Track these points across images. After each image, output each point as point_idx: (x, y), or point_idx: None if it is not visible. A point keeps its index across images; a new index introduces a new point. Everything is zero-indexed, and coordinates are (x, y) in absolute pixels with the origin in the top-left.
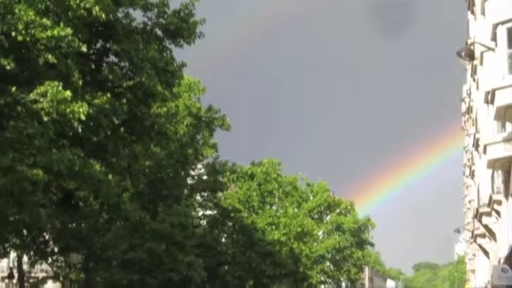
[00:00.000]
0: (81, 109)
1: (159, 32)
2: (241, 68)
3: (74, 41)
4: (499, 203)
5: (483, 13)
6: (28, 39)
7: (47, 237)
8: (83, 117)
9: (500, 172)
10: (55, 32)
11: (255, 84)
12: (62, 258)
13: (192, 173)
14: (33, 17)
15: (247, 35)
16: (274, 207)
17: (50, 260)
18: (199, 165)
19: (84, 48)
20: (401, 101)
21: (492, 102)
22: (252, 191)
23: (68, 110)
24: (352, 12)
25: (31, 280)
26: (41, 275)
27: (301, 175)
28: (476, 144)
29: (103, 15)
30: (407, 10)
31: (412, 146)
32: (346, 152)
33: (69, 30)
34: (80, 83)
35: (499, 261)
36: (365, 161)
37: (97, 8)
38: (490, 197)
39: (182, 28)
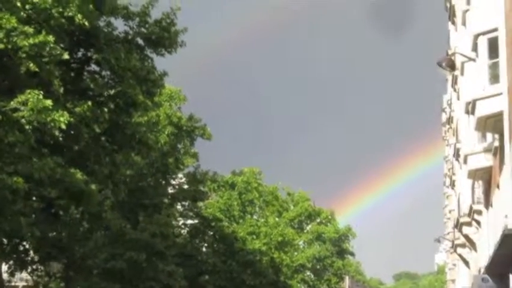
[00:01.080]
0: (62, 118)
1: (140, 41)
2: (223, 77)
3: (56, 49)
4: (479, 213)
5: (464, 23)
6: (10, 47)
7: (27, 246)
8: (63, 126)
9: (480, 182)
10: (37, 40)
11: (236, 94)
12: (42, 268)
13: (173, 182)
14: (15, 25)
15: (229, 45)
16: (255, 217)
17: (30, 269)
18: (180, 175)
19: (66, 56)
20: (382, 111)
21: (473, 112)
22: (232, 200)
23: (48, 119)
24: (335, 21)
25: None
26: (20, 284)
27: (281, 184)
28: (456, 154)
29: (86, 23)
30: (390, 19)
31: (392, 155)
32: (326, 162)
33: (51, 38)
34: (62, 91)
35: (479, 271)
36: (345, 170)
37: (79, 16)
38: (471, 207)
39: (163, 37)
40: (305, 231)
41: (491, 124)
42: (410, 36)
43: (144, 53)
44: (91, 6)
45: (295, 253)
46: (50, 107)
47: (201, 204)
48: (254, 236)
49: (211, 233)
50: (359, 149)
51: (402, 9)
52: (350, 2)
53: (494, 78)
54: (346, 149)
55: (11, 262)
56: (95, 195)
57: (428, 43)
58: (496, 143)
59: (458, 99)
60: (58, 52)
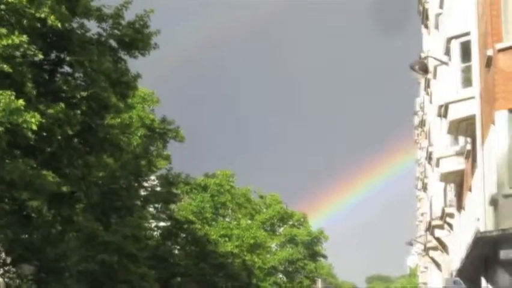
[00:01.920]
0: (33, 119)
1: (114, 43)
2: (197, 79)
3: (30, 50)
4: (451, 216)
5: (437, 27)
6: None
7: None
8: (34, 127)
9: (452, 185)
10: (10, 41)
11: (210, 96)
12: (14, 270)
13: (145, 184)
14: None
15: (204, 46)
16: (227, 219)
17: (1, 271)
18: (153, 177)
19: (40, 56)
20: (353, 114)
21: (445, 115)
22: (205, 203)
23: (20, 120)
24: (312, 22)
25: None
26: None
27: (254, 187)
28: (429, 158)
29: (59, 25)
30: (369, 23)
31: (365, 158)
32: (299, 165)
33: (25, 38)
34: (34, 93)
35: (451, 274)
36: (318, 173)
37: (52, 17)
38: (443, 210)
39: (137, 39)
40: (277, 233)
41: (464, 127)
42: (383, 37)
43: (117, 55)
44: (63, 7)
45: (268, 255)
46: (22, 108)
47: (173, 206)
48: (226, 239)
49: (184, 235)
50: (331, 152)
51: (381, 14)
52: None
53: (467, 81)
54: (318, 152)
55: None
56: (67, 197)
57: (403, 47)
58: (468, 147)
59: (431, 102)
60: (32, 53)
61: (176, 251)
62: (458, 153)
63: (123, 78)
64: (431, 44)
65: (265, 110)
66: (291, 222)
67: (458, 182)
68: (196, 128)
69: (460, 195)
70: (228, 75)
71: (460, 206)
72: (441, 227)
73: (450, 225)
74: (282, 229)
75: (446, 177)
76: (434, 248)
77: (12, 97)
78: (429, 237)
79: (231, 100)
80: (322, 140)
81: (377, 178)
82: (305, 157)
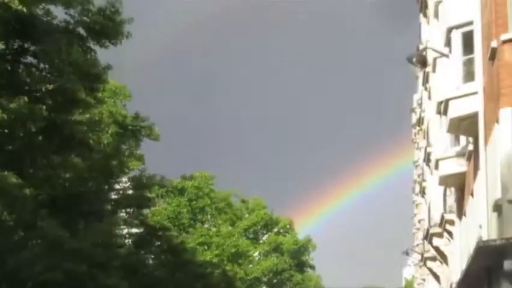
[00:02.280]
0: None
1: (82, 32)
2: (174, 73)
3: None
4: (452, 223)
5: (436, 16)
6: None
7: None
8: None
9: (453, 189)
10: None
11: (188, 91)
12: None
13: (116, 187)
14: None
15: (181, 37)
16: (206, 226)
17: None
18: (124, 179)
19: (1, 45)
20: (344, 111)
21: (445, 113)
22: (182, 208)
23: None
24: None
25: None
26: None
27: (235, 190)
28: (427, 159)
29: (24, 9)
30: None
31: (357, 160)
32: (285, 167)
33: None
34: None
35: (451, 287)
36: (306, 177)
37: (16, 1)
38: (442, 217)
39: (107, 27)
40: (261, 241)
41: (465, 126)
42: (377, 28)
43: (86, 44)
44: None
45: (250, 265)
46: None
47: (147, 211)
48: (205, 247)
49: (158, 243)
50: (320, 154)
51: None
52: None
53: (469, 75)
54: (307, 154)
55: None
56: (30, 201)
57: (399, 37)
58: (470, 147)
59: (430, 98)
60: None
61: (150, 261)
62: (459, 154)
63: (92, 70)
64: (431, 35)
65: (251, 107)
66: (276, 229)
67: (459, 185)
68: (173, 125)
69: (460, 201)
70: (209, 69)
71: (460, 212)
72: (440, 235)
73: (450, 233)
74: (266, 237)
75: (445, 181)
76: (433, 258)
77: None
78: (427, 247)
79: (213, 95)
80: (310, 140)
81: (371, 181)
82: (292, 159)
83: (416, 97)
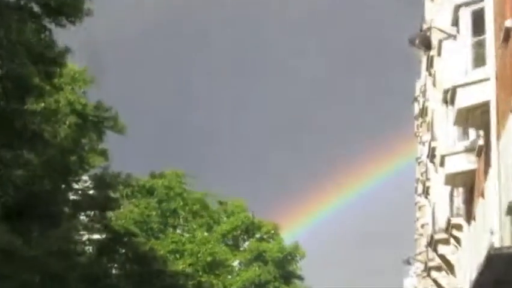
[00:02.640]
0: None
1: (37, 8)
2: (142, 56)
3: None
4: (459, 228)
5: None
6: None
7: None
8: None
9: (460, 190)
10: None
11: (158, 77)
12: None
13: (76, 186)
14: None
15: (152, 15)
16: (178, 231)
17: None
18: (85, 177)
19: None
20: (337, 101)
21: (452, 102)
22: (150, 210)
23: None
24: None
25: None
26: None
27: (212, 190)
28: (431, 155)
29: None
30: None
31: (350, 157)
32: (269, 165)
33: None
34: None
35: None
36: (293, 175)
37: None
38: (448, 221)
39: (65, 4)
40: (241, 249)
41: (475, 117)
42: (378, 7)
43: (41, 23)
44: None
45: (229, 276)
46: None
47: (110, 214)
48: (177, 255)
49: (123, 250)
50: (310, 150)
51: None
52: None
53: (479, 60)
54: (294, 150)
55: None
56: None
57: (401, 16)
58: (480, 141)
59: (434, 85)
60: None
61: (114, 270)
62: (468, 150)
63: (48, 52)
64: (436, 13)
65: (229, 96)
66: (258, 235)
67: (468, 185)
68: (141, 116)
69: (469, 202)
70: (184, 53)
71: (469, 216)
72: (446, 241)
73: (457, 240)
74: (247, 243)
75: (452, 180)
76: (437, 268)
77: None
78: (432, 255)
79: (187, 83)
80: (298, 135)
81: (367, 181)
82: (278, 155)
83: (418, 84)
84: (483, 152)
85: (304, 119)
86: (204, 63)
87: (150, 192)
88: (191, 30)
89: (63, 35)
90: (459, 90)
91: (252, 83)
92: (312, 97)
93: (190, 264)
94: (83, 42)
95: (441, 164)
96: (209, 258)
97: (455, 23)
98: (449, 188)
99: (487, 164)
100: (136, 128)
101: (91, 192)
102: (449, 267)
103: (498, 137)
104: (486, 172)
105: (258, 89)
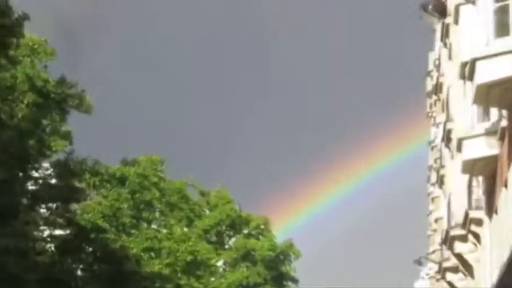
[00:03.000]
0: None
1: None
2: (114, 25)
3: None
4: (479, 223)
5: None
6: None
7: None
8: None
9: (480, 179)
10: None
11: (132, 50)
12: None
13: (35, 174)
14: None
15: None
16: (154, 226)
17: None
18: (46, 164)
19: None
20: (338, 78)
21: (471, 78)
22: (122, 202)
23: None
24: None
25: None
26: None
27: (192, 179)
28: (447, 138)
29: None
30: None
31: (352, 142)
32: (258, 150)
33: None
34: None
35: None
36: (286, 162)
37: None
38: (466, 215)
39: None
40: (226, 246)
41: (497, 95)
42: None
43: None
44: None
45: (212, 278)
46: None
47: (75, 207)
48: (153, 254)
49: (90, 248)
50: (304, 132)
51: None
52: None
53: (503, 29)
54: (287, 132)
55: None
56: None
57: None
58: (504, 123)
59: (450, 58)
60: None
61: (79, 272)
62: (489, 132)
63: (3, 19)
64: None
65: (216, 73)
66: (246, 231)
67: (489, 173)
68: (111, 94)
69: (491, 193)
70: (162, 26)
71: (491, 209)
72: (463, 238)
73: (476, 236)
74: (233, 240)
75: (471, 167)
76: (453, 269)
77: None
78: (447, 254)
79: (169, 61)
80: (292, 117)
81: (372, 169)
82: (268, 141)
83: (432, 57)
84: (506, 135)
85: (305, 106)
86: (183, 42)
87: (121, 181)
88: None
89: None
90: (479, 64)
91: (242, 76)
92: (319, 79)
93: (167, 265)
94: (46, 10)
95: (458, 148)
96: (189, 258)
97: None
98: (467, 176)
99: (511, 148)
100: (105, 107)
101: (52, 181)
102: (467, 268)
103: None
104: (510, 158)
105: (257, 83)
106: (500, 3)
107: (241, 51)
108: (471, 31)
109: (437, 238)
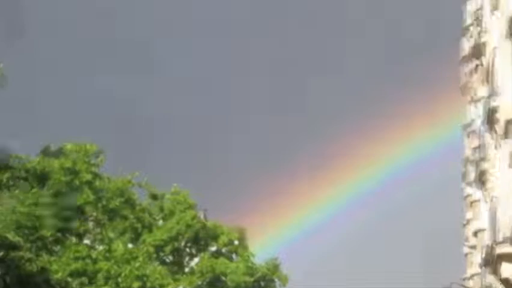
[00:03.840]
0: None
1: None
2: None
3: None
4: None
5: None
6: None
7: None
8: None
9: None
10: None
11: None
12: None
13: None
14: None
15: None
16: (86, 241)
17: None
18: None
19: None
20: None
21: None
22: (43, 208)
23: None
24: None
25: None
26: None
27: (141, 177)
28: (490, 120)
29: None
30: None
31: (361, 124)
32: (230, 138)
33: None
34: None
35: None
36: (265, 158)
37: None
38: None
39: None
40: (187, 269)
41: None
42: None
43: None
44: None
45: None
46: None
47: None
48: (85, 279)
49: None
50: (292, 119)
51: None
52: None
53: None
54: (264, 116)
55: None
56: None
57: None
58: None
59: (496, 9)
60: None
61: None
62: None
63: None
64: None
65: (178, 51)
66: (214, 248)
67: None
68: (33, 67)
69: None
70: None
71: None
72: None
73: None
74: (196, 261)
75: None
76: None
77: None
78: (490, 278)
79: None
80: (279, 94)
81: (386, 162)
82: (241, 123)
83: (470, 8)
84: None
85: (294, 83)
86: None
87: (42, 178)
88: None
89: None
90: None
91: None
92: (317, 60)
93: None
94: None
95: (506, 134)
96: (136, 285)
97: None
98: None
99: None
100: (26, 83)
101: None
102: None
103: None
104: None
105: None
106: None
107: None
108: None
109: (477, 257)
